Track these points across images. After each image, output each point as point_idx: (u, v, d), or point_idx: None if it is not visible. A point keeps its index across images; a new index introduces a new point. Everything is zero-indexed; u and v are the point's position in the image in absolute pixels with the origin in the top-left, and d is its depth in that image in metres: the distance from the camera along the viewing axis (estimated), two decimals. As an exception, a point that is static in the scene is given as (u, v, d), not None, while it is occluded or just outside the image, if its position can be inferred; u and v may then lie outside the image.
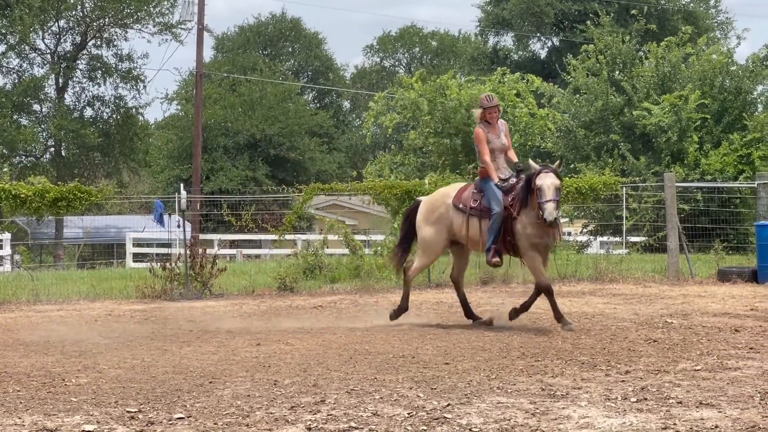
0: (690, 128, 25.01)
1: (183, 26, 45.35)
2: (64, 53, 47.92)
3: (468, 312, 11.43)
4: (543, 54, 56.89)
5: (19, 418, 6.40)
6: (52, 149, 48.84)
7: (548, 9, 51.99)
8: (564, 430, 5.92)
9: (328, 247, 18.75)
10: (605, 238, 25.98)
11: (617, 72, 28.31)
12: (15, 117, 46.25)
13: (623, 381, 7.45)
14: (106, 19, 47.33)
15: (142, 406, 6.72)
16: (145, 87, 56.20)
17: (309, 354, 9.06)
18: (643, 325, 10.88)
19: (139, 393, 7.24)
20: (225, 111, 52.23)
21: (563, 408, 6.48)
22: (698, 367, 7.98)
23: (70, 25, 47.97)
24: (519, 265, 13.09)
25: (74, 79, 48.36)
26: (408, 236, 11.83)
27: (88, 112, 49.04)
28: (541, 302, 10.96)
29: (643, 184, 22.49)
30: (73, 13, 47.36)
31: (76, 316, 13.30)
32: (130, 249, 28.28)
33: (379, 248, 18.62)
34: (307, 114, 56.74)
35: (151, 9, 47.07)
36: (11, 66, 47.45)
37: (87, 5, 47.24)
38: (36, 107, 47.90)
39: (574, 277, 17.00)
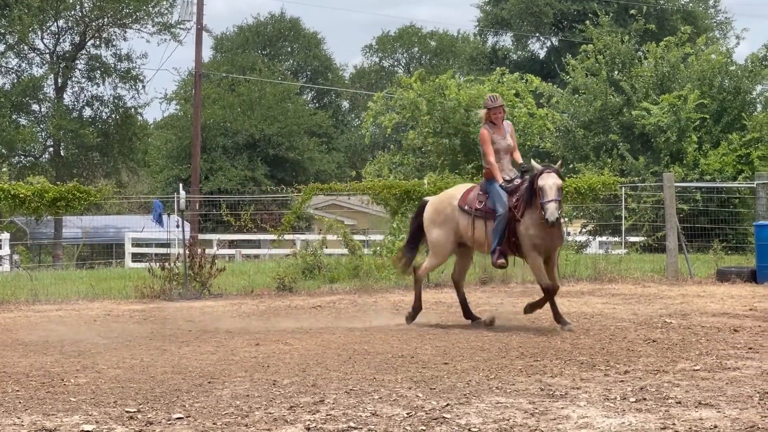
0: (689, 128, 25.02)
1: (182, 26, 45.33)
2: (63, 53, 47.89)
3: (467, 312, 11.44)
4: (542, 54, 56.94)
5: (18, 418, 6.40)
6: (51, 149, 48.81)
7: (547, 9, 52.01)
8: (563, 430, 5.92)
9: (327, 247, 18.75)
10: (604, 238, 25.98)
11: (616, 72, 28.32)
12: (14, 117, 46.22)
13: (622, 381, 7.45)
14: (105, 19, 47.30)
15: (141, 406, 6.71)
16: (144, 87, 56.30)
17: (308, 354, 9.06)
18: (642, 325, 10.89)
19: (138, 393, 7.23)
20: (224, 111, 52.23)
21: (562, 408, 6.48)
22: (697, 367, 7.98)
23: (69, 24, 47.94)
24: (521, 265, 13.07)
25: (73, 78, 48.35)
26: (415, 237, 11.85)
27: (87, 112, 49.04)
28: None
29: (642, 184, 22.49)
30: (72, 12, 47.33)
31: (74, 316, 13.30)
32: (129, 249, 28.28)
33: (378, 248, 18.62)
34: (306, 114, 56.75)
35: (150, 9, 47.04)
36: (10, 66, 47.48)
37: (86, 5, 47.22)
38: (35, 107, 47.90)
39: (573, 277, 16.99)
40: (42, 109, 48.00)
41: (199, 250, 16.55)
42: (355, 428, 6.01)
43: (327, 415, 6.36)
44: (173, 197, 18.45)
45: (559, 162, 11.47)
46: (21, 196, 17.30)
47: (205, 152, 46.66)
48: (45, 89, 47.46)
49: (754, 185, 19.11)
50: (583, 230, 25.12)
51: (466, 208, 11.06)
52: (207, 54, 61.72)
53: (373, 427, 6.04)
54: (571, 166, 26.25)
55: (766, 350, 8.93)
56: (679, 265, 17.25)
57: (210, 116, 50.30)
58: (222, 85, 55.41)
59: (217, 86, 55.02)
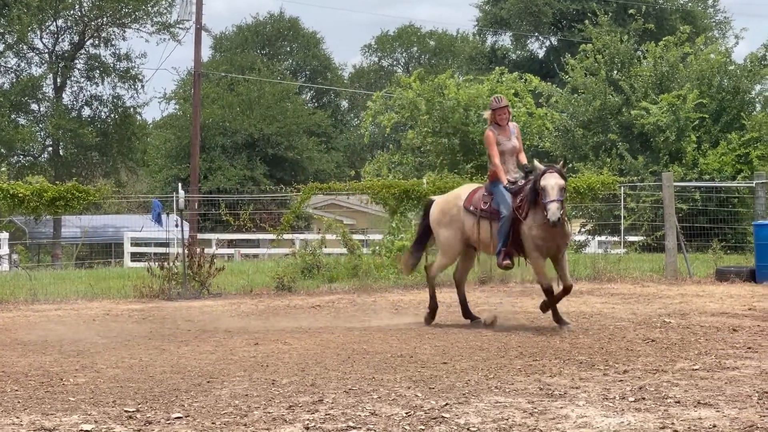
0: (688, 128, 25.02)
1: (181, 26, 45.31)
2: (62, 53, 47.87)
3: (466, 312, 11.45)
4: (541, 53, 56.96)
5: (17, 418, 6.40)
6: (50, 149, 48.81)
7: (546, 8, 52.01)
8: (562, 429, 5.92)
9: (326, 247, 18.75)
10: (603, 238, 25.97)
11: (615, 71, 28.31)
12: (13, 116, 46.19)
13: (621, 380, 7.45)
14: (104, 19, 47.30)
15: (140, 406, 6.71)
16: (143, 86, 56.18)
17: (307, 353, 9.06)
18: (641, 324, 10.89)
19: (137, 392, 7.23)
20: (223, 110, 52.23)
21: (561, 407, 6.48)
22: (696, 367, 7.98)
23: (68, 24, 47.92)
24: (521, 265, 13.04)
25: (72, 78, 48.35)
26: (422, 237, 11.86)
27: (86, 112, 49.04)
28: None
29: (641, 184, 22.49)
30: (71, 12, 47.32)
31: (74, 316, 13.29)
32: (128, 248, 28.28)
33: (377, 248, 18.62)
34: (305, 113, 56.76)
35: (149, 8, 47.03)
36: (9, 65, 47.49)
37: (85, 5, 47.22)
38: (34, 107, 47.90)
39: (572, 276, 16.92)
40: (41, 109, 48.03)
41: (198, 250, 16.55)
42: (354, 428, 6.01)
43: (326, 414, 6.36)
44: (172, 197, 18.45)
45: (562, 162, 11.45)
46: (20, 195, 17.30)
47: (204, 152, 46.65)
48: (44, 89, 47.50)
49: (753, 185, 19.12)
50: (582, 230, 25.13)
51: (471, 208, 11.06)
52: (206, 53, 61.75)
53: (372, 426, 6.04)
54: (570, 165, 26.25)
55: (765, 350, 8.92)
56: (678, 264, 17.24)
57: (209, 116, 50.30)
58: (221, 84, 55.42)
59: (216, 86, 55.03)
